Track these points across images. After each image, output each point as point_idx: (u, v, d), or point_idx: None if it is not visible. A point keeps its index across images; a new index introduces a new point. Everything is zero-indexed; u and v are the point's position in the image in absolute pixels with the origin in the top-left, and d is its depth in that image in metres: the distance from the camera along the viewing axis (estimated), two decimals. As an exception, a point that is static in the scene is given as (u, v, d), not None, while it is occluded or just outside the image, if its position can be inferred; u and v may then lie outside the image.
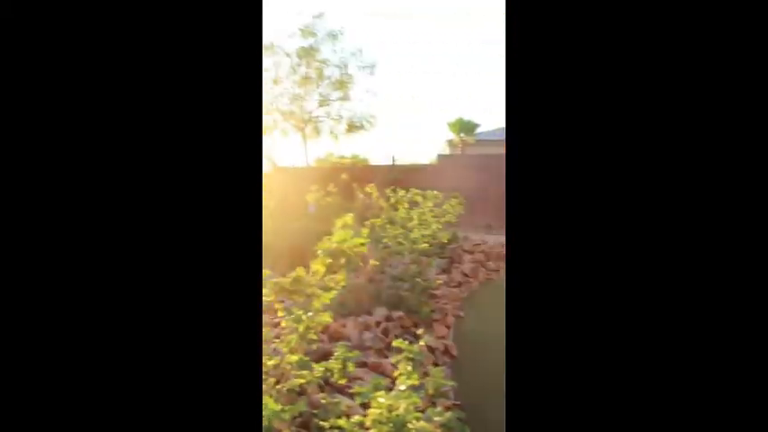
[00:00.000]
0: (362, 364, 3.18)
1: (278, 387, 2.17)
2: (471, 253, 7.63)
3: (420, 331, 3.01)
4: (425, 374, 2.44)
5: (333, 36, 15.76)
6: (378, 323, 4.05)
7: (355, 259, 2.13)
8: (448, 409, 2.20)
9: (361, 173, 12.84)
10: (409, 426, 1.75)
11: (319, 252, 2.12)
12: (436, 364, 3.38)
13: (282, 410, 1.87)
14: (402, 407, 1.80)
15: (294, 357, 2.14)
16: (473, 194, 9.64)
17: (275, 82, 16.04)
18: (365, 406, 2.14)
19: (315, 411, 2.32)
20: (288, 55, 15.87)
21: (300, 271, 2.14)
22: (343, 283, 2.19)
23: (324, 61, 15.86)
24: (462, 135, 20.02)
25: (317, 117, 16.62)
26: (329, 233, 2.24)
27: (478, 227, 10.11)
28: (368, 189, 7.55)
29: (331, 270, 2.12)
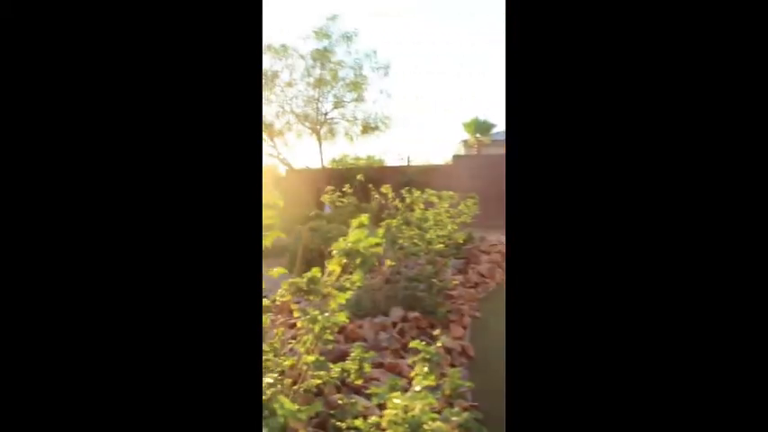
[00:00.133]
0: (379, 365, 3.18)
1: (295, 387, 2.18)
2: (488, 253, 7.59)
3: (436, 332, 3.00)
4: (442, 375, 2.42)
5: (347, 38, 15.80)
6: (394, 324, 4.04)
7: (371, 260, 2.12)
8: (465, 410, 2.18)
9: (376, 174, 12.85)
10: (425, 426, 1.74)
11: (334, 252, 2.12)
12: (453, 366, 3.36)
13: (299, 411, 1.87)
14: (418, 407, 1.79)
15: (311, 358, 2.14)
16: (489, 195, 9.59)
17: (289, 84, 16.13)
18: (382, 407, 2.13)
19: (332, 412, 2.32)
20: (302, 57, 15.95)
21: (316, 271, 2.13)
22: (359, 284, 2.18)
23: (339, 63, 15.91)
24: (478, 135, 19.94)
25: (332, 119, 16.68)
26: (345, 234, 2.24)
27: (495, 227, 10.03)
28: (383, 190, 7.54)
29: (347, 270, 2.12)
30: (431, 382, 2.05)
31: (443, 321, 4.37)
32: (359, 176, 9.82)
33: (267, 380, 1.78)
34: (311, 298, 2.15)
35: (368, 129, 16.52)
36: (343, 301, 2.16)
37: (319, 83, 16.01)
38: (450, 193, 6.70)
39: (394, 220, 5.55)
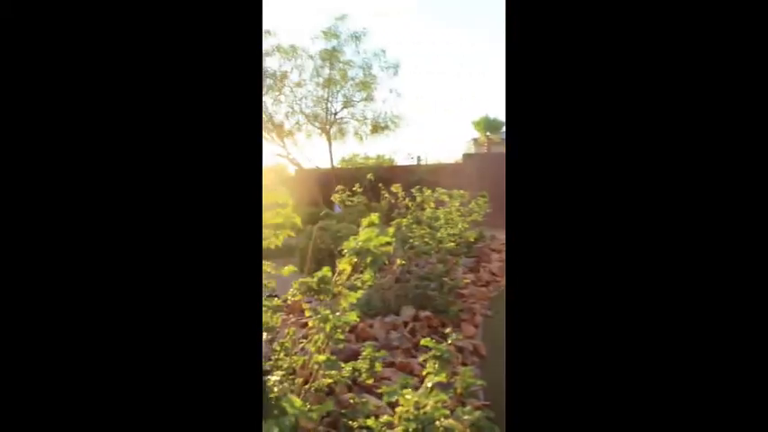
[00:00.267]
0: (390, 364, 3.18)
1: (306, 387, 2.18)
2: (499, 252, 7.56)
3: (448, 331, 2.99)
4: (454, 374, 2.42)
5: (356, 37, 15.80)
6: (405, 323, 4.04)
7: (381, 259, 2.12)
8: (477, 408, 2.17)
9: (386, 173, 12.84)
10: (437, 423, 1.74)
11: (345, 252, 2.12)
12: (465, 364, 3.35)
13: (310, 410, 1.88)
14: (430, 404, 1.79)
15: (322, 357, 2.15)
16: (500, 193, 9.52)
17: (299, 84, 16.17)
18: (393, 406, 2.13)
19: (343, 411, 2.32)
20: (311, 57, 15.98)
21: (326, 270, 2.14)
22: (369, 283, 2.18)
23: (348, 62, 15.91)
24: (488, 134, 19.87)
25: (342, 119, 16.70)
26: (355, 233, 2.24)
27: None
28: (393, 189, 7.54)
29: (357, 270, 2.12)
30: (442, 378, 2.05)
31: (455, 320, 4.36)
32: (369, 176, 9.83)
33: (277, 378, 1.78)
34: (322, 297, 2.15)
35: (378, 128, 16.50)
36: (354, 301, 2.16)
37: (329, 83, 16.02)
38: (461, 191, 6.67)
39: (404, 219, 5.55)
